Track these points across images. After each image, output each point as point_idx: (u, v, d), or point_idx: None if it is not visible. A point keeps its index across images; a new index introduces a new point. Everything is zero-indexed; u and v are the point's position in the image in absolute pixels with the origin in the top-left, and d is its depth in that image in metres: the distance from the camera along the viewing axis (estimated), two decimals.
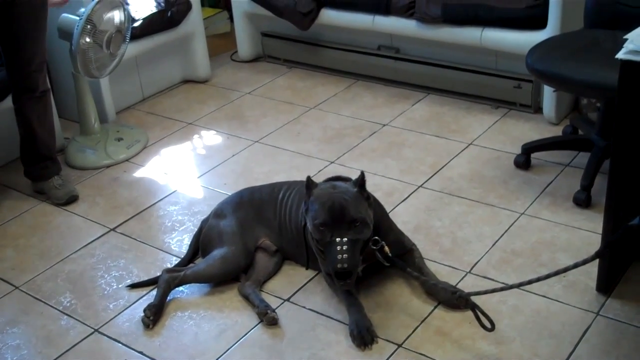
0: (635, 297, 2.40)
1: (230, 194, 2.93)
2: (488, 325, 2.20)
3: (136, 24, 3.80)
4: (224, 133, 3.77)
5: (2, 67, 3.18)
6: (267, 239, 2.67)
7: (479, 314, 2.22)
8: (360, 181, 2.36)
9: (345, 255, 2.23)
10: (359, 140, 3.55)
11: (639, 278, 2.47)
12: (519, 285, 2.19)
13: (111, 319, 2.52)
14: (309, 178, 2.39)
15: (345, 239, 2.25)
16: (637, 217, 1.97)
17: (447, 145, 3.43)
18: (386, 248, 2.37)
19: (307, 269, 2.60)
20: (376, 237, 2.36)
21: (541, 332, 2.29)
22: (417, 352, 2.25)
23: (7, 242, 3.00)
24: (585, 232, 2.73)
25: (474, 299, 2.27)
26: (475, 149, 3.38)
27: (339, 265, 2.24)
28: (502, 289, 2.25)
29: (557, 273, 2.07)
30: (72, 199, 3.22)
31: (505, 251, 2.67)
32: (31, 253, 2.91)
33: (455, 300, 2.33)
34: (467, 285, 2.50)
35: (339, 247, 2.24)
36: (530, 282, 2.14)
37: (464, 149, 3.39)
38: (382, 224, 2.48)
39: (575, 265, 2.04)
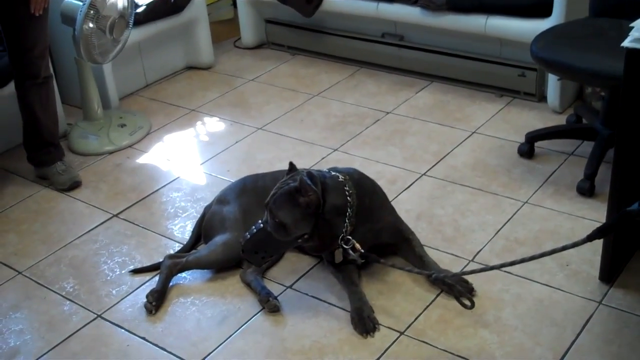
0: (638, 286, 2.39)
1: (233, 180, 2.93)
2: (468, 303, 2.20)
3: (139, 10, 3.79)
4: (227, 120, 3.76)
5: (4, 53, 3.18)
6: None
7: (457, 293, 2.25)
8: (297, 187, 2.24)
9: (248, 236, 2.32)
10: (363, 127, 3.55)
11: None
12: (500, 267, 2.18)
13: (114, 305, 2.52)
14: (291, 163, 2.40)
15: (261, 224, 2.31)
16: (637, 203, 1.95)
17: (450, 133, 3.42)
18: (357, 245, 2.32)
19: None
20: (348, 237, 2.33)
21: (543, 320, 2.29)
22: (419, 340, 2.26)
23: (10, 228, 3.00)
24: (589, 221, 2.72)
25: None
26: (479, 138, 3.37)
27: (240, 239, 2.37)
28: (481, 270, 2.24)
29: (542, 255, 2.02)
30: (75, 185, 3.22)
31: (509, 240, 2.67)
32: (34, 238, 2.92)
33: (432, 282, 2.36)
34: None
35: (253, 227, 2.33)
36: (513, 263, 2.08)
37: (468, 137, 3.38)
38: (380, 210, 2.48)
39: (564, 248, 1.99)
